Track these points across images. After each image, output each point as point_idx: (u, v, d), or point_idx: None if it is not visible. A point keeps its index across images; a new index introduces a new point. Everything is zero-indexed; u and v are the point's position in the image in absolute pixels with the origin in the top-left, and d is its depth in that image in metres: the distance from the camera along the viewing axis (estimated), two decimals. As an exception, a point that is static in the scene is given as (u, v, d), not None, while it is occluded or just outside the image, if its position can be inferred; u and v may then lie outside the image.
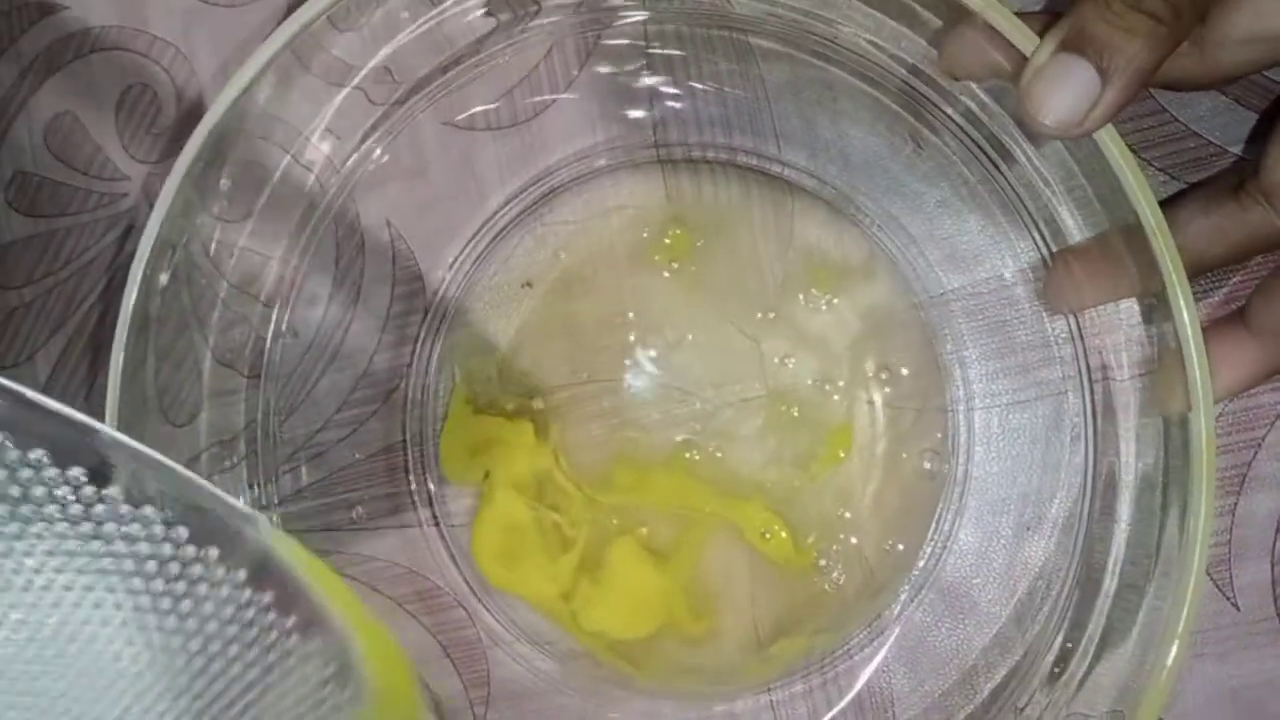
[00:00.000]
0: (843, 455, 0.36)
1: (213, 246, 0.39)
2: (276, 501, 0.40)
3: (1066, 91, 0.24)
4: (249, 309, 0.39)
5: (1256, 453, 0.34)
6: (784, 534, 0.36)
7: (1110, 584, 0.31)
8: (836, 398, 0.36)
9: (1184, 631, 0.26)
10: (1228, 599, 0.35)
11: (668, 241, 0.37)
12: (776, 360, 0.36)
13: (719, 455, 0.36)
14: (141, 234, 0.34)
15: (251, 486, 0.40)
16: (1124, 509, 0.31)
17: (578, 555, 0.37)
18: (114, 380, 0.33)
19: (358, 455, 0.40)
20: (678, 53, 0.36)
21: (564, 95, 0.38)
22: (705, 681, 0.37)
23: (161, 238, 0.36)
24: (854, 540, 0.36)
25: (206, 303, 0.39)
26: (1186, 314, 0.26)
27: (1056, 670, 0.33)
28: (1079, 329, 0.33)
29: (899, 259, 0.36)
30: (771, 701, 0.37)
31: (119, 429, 0.34)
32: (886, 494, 0.36)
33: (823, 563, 0.36)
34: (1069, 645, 0.32)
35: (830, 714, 0.36)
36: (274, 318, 0.40)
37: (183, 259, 0.38)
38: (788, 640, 0.36)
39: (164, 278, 0.38)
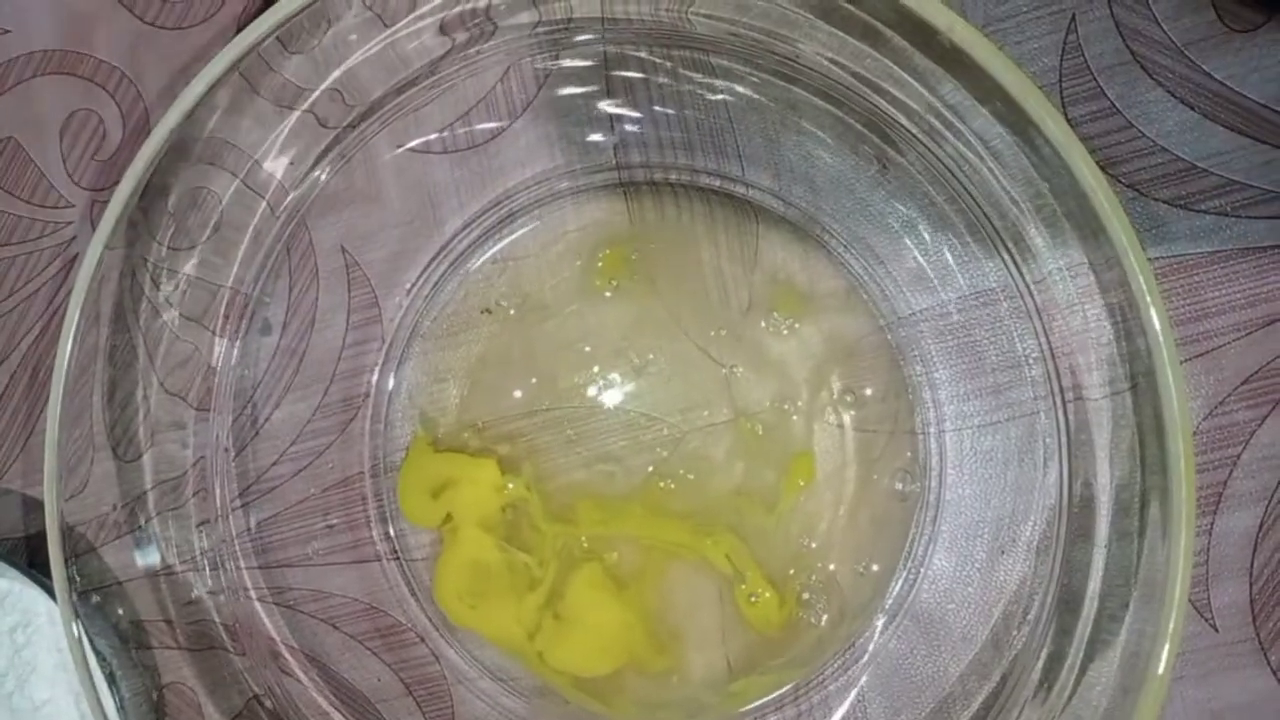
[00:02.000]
0: (802, 484, 0.35)
1: (161, 276, 0.38)
2: (232, 536, 0.39)
3: None
4: (199, 339, 0.38)
5: (1232, 471, 0.34)
6: (768, 594, 0.35)
7: (1090, 609, 0.30)
8: (801, 422, 0.35)
9: (1168, 661, 0.25)
10: (1206, 620, 0.34)
11: (599, 264, 0.36)
12: (743, 385, 0.35)
13: (691, 479, 0.35)
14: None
15: (202, 524, 0.39)
16: (1101, 531, 0.30)
17: (544, 594, 0.36)
18: (52, 424, 0.32)
19: (313, 490, 0.38)
20: (638, 75, 0.35)
21: (521, 118, 0.37)
22: (675, 716, 0.36)
23: (104, 268, 0.35)
24: (831, 567, 0.35)
25: (154, 334, 0.38)
26: (1160, 330, 0.26)
27: (1038, 697, 0.32)
28: (1050, 348, 0.32)
29: (865, 280, 0.35)
30: (745, 734, 0.36)
31: (59, 469, 0.33)
32: (858, 517, 0.35)
33: (806, 596, 0.35)
34: (1049, 672, 0.31)
35: (805, 747, 0.35)
36: (225, 349, 0.39)
37: (128, 288, 0.37)
38: (758, 676, 0.35)
39: (107, 308, 0.37)
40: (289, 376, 0.39)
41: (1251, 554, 0.34)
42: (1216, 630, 0.34)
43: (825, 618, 0.35)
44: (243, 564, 0.39)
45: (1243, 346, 0.34)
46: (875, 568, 0.35)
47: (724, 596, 0.36)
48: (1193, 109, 0.34)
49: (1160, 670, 0.26)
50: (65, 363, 0.32)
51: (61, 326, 0.33)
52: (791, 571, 0.35)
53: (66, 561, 0.34)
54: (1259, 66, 0.33)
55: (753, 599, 0.35)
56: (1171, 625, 0.26)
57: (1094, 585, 0.30)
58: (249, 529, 0.39)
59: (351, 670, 0.38)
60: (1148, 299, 0.25)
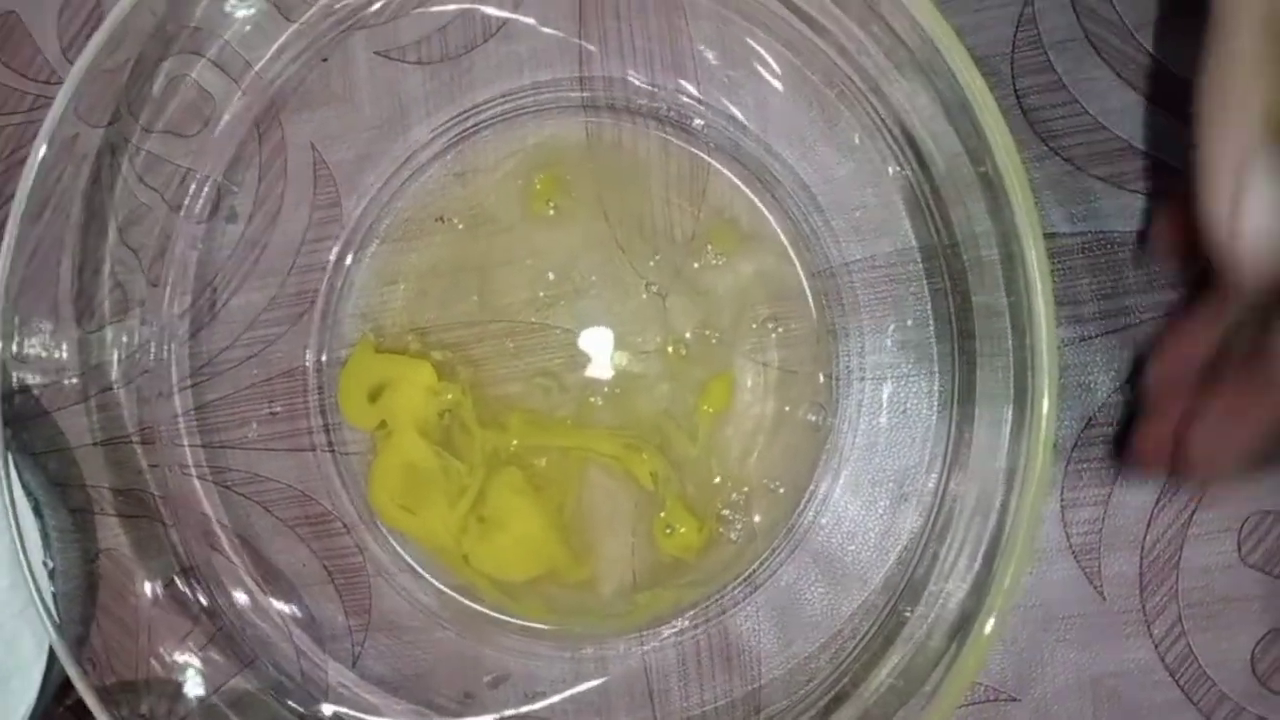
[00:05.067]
0: (712, 410, 0.36)
1: (139, 157, 0.39)
2: (178, 413, 0.40)
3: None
4: (168, 221, 0.40)
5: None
6: (684, 528, 0.36)
7: (958, 558, 0.31)
8: (723, 350, 0.36)
9: (994, 626, 0.26)
10: (1095, 588, 0.35)
11: (537, 186, 0.37)
12: (674, 312, 0.37)
13: (619, 395, 0.37)
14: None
15: (154, 398, 0.40)
16: (971, 489, 0.32)
17: (472, 498, 0.37)
18: (6, 253, 0.33)
19: (260, 375, 0.40)
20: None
21: (494, 38, 0.38)
22: (580, 624, 0.37)
23: (82, 144, 0.37)
24: (745, 489, 0.36)
25: (127, 213, 0.39)
26: (1041, 299, 0.27)
27: (917, 641, 0.33)
28: (953, 310, 0.33)
29: (804, 225, 0.36)
30: (642, 650, 0.37)
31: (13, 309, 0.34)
32: (773, 445, 0.36)
33: (725, 512, 0.36)
34: (923, 610, 0.32)
35: (698, 663, 0.37)
36: (192, 232, 0.40)
37: (106, 165, 0.39)
38: (661, 590, 0.37)
39: (84, 182, 0.39)
40: (249, 265, 0.40)
41: (1145, 528, 0.35)
42: (1104, 598, 0.35)
43: (736, 537, 0.36)
44: (186, 441, 0.40)
45: (1161, 325, 0.35)
46: (782, 490, 0.36)
47: (641, 513, 0.37)
48: (1136, 90, 0.34)
49: (986, 630, 0.27)
50: (22, 203, 0.33)
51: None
52: (709, 494, 0.36)
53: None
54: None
55: (668, 531, 0.36)
56: (1007, 582, 0.27)
57: (963, 532, 0.31)
58: (195, 408, 0.40)
59: (278, 554, 0.40)
60: (1031, 252, 0.26)
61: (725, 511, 0.36)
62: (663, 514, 0.37)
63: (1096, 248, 0.35)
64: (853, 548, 0.36)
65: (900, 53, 0.31)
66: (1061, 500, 0.35)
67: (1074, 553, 0.35)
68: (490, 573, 0.38)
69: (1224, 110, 0.20)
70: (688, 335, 0.36)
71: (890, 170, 0.35)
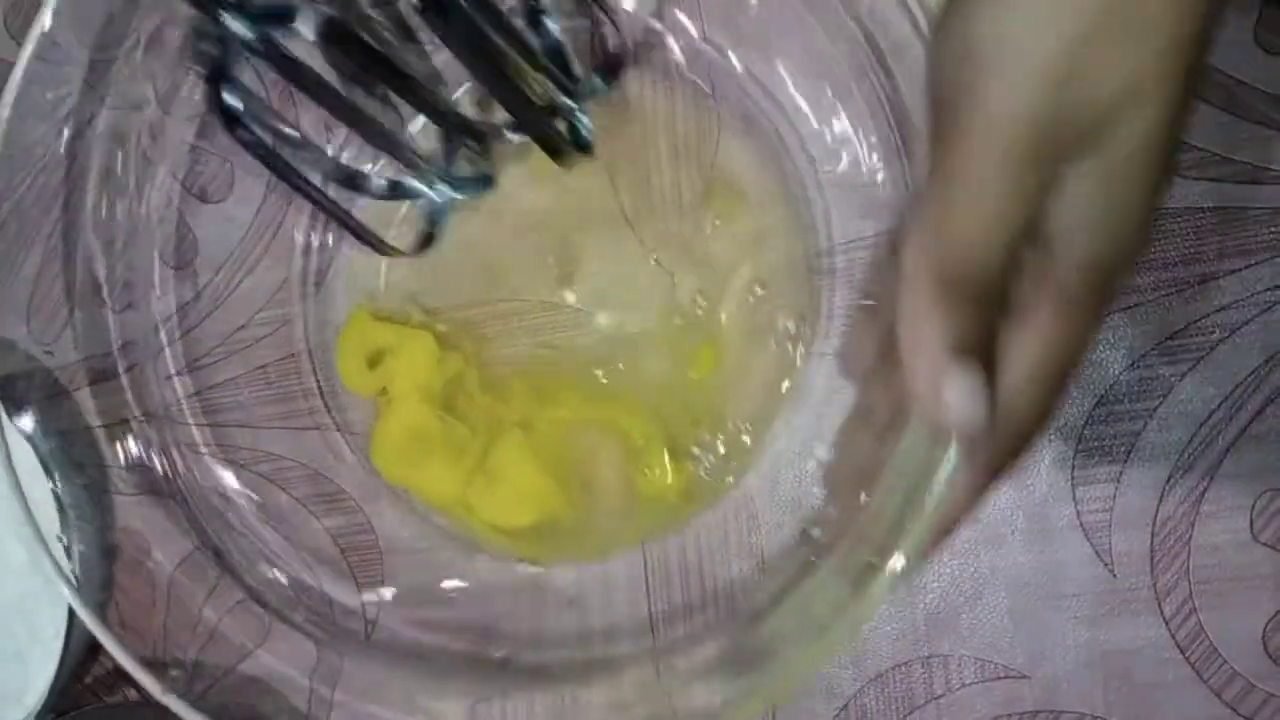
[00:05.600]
0: (696, 377, 0.37)
1: (160, 136, 0.39)
2: (194, 392, 0.41)
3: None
4: (185, 203, 0.40)
5: (1147, 423, 0.35)
6: (658, 470, 0.37)
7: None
8: (716, 319, 0.37)
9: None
10: (1105, 565, 0.35)
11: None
12: (674, 278, 0.37)
13: (621, 369, 0.37)
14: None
15: (172, 376, 0.41)
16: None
17: (476, 456, 0.38)
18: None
19: (275, 355, 0.40)
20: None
21: None
22: (585, 554, 0.39)
23: (97, 123, 0.37)
24: (721, 437, 0.37)
25: (146, 188, 0.40)
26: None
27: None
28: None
29: (807, 196, 0.36)
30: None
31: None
32: (746, 397, 0.37)
33: (695, 450, 0.37)
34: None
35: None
36: (207, 213, 0.40)
37: (124, 147, 0.39)
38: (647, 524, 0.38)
39: (98, 162, 0.39)
40: (266, 241, 0.40)
41: (1156, 505, 0.35)
42: (1114, 576, 0.35)
43: (709, 476, 0.37)
44: (197, 420, 0.41)
45: (1172, 303, 0.35)
46: (749, 439, 0.37)
47: (630, 463, 0.38)
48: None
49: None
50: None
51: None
52: (689, 442, 0.37)
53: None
54: (1221, 32, 0.34)
55: (650, 473, 0.37)
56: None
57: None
58: (211, 386, 0.41)
59: (294, 530, 0.40)
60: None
61: (695, 450, 0.37)
62: (648, 468, 0.37)
63: (1108, 224, 0.35)
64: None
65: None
66: (1072, 478, 0.35)
67: (1085, 530, 0.35)
68: (493, 521, 0.39)
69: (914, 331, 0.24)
70: (686, 305, 0.37)
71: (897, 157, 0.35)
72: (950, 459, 0.28)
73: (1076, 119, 0.21)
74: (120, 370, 0.40)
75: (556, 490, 0.38)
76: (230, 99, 0.31)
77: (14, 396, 0.40)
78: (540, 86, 0.34)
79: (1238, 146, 0.34)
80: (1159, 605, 0.35)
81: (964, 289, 0.23)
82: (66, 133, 0.37)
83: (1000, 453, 0.25)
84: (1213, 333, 0.34)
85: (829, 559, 0.33)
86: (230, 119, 0.31)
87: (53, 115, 0.37)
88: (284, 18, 0.29)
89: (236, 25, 0.29)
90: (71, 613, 0.39)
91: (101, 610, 0.39)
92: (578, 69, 0.37)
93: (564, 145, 0.35)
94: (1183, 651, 0.34)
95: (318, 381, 0.40)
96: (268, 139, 0.34)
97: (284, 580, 0.39)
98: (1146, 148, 0.22)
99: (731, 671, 0.34)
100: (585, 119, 0.36)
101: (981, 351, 0.23)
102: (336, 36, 0.29)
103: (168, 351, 0.41)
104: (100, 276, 0.40)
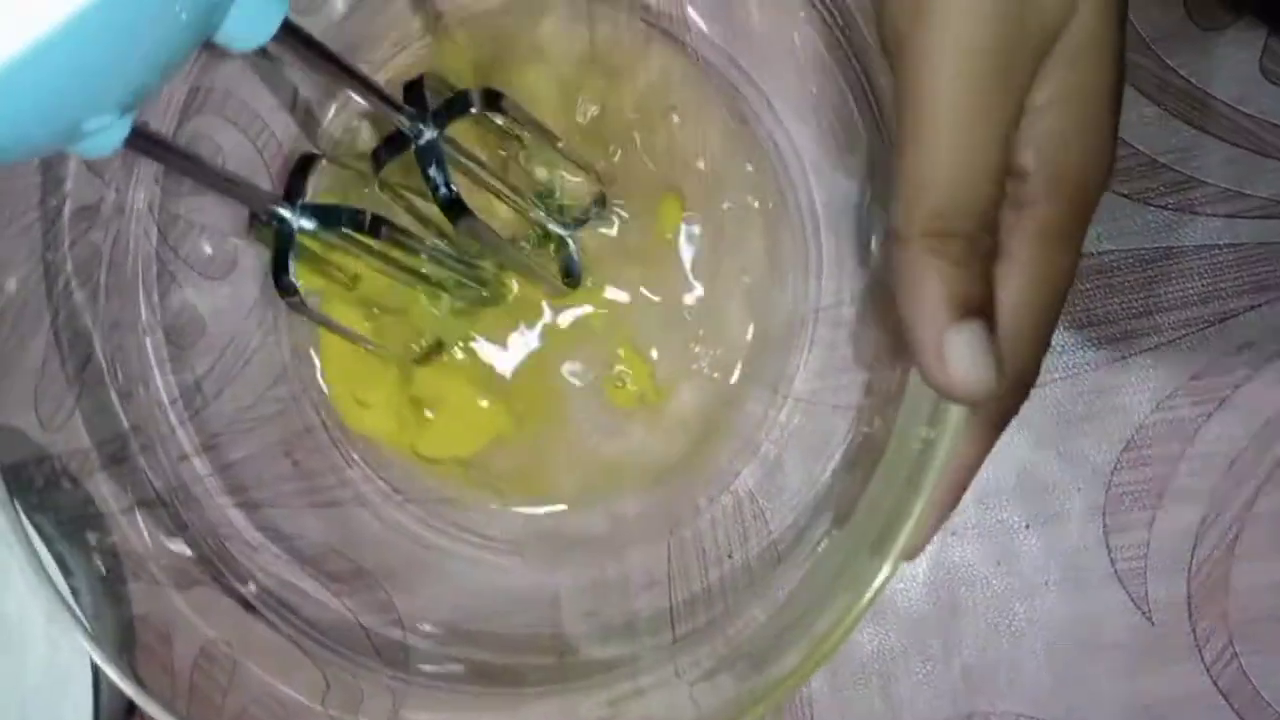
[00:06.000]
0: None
1: (157, 213, 0.39)
2: (211, 471, 0.40)
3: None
4: (185, 276, 0.40)
5: (1176, 466, 0.34)
6: (631, 385, 0.37)
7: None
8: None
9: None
10: (1143, 613, 0.34)
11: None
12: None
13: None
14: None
15: (188, 457, 0.40)
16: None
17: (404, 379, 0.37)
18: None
19: (291, 429, 0.40)
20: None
21: None
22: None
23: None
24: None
25: (146, 271, 0.39)
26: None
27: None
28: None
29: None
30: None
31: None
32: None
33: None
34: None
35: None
36: (214, 295, 0.40)
37: (131, 235, 0.39)
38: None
39: (106, 251, 0.39)
40: (269, 320, 0.40)
41: (1191, 550, 0.34)
42: (1153, 624, 0.34)
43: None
44: (217, 500, 0.40)
45: (1193, 343, 0.34)
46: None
47: (589, 367, 0.37)
48: (1157, 104, 0.34)
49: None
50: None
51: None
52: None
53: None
54: (1225, 65, 0.34)
55: (620, 385, 0.37)
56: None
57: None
58: (221, 467, 0.40)
59: (322, 610, 0.40)
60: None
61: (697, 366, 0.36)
62: (618, 367, 0.36)
63: (1124, 266, 0.34)
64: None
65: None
66: (1104, 525, 0.34)
67: (1119, 578, 0.34)
68: (441, 455, 0.38)
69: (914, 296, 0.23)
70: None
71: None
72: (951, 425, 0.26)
73: (1029, 25, 0.22)
74: (133, 452, 0.40)
75: (501, 409, 0.37)
76: (290, 279, 0.32)
77: (26, 485, 0.40)
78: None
79: (1250, 180, 0.34)
80: (1199, 652, 0.34)
81: (957, 240, 0.23)
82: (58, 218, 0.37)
83: (1002, 403, 0.25)
84: (1236, 371, 0.34)
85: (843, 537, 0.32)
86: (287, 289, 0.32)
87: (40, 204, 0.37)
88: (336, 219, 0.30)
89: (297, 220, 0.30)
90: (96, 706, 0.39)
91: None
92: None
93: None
94: (1226, 698, 0.34)
95: (341, 453, 0.40)
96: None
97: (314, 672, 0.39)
98: (1099, 43, 0.23)
99: (751, 663, 0.33)
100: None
101: (984, 307, 0.23)
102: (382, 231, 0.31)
103: (180, 432, 0.41)
104: (103, 361, 0.40)
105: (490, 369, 0.37)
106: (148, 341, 0.39)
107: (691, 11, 0.36)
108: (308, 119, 0.39)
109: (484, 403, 0.37)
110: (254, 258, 0.40)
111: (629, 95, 0.37)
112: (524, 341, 0.37)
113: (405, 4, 0.39)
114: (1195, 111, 0.34)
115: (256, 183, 0.39)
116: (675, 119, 0.36)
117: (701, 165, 0.36)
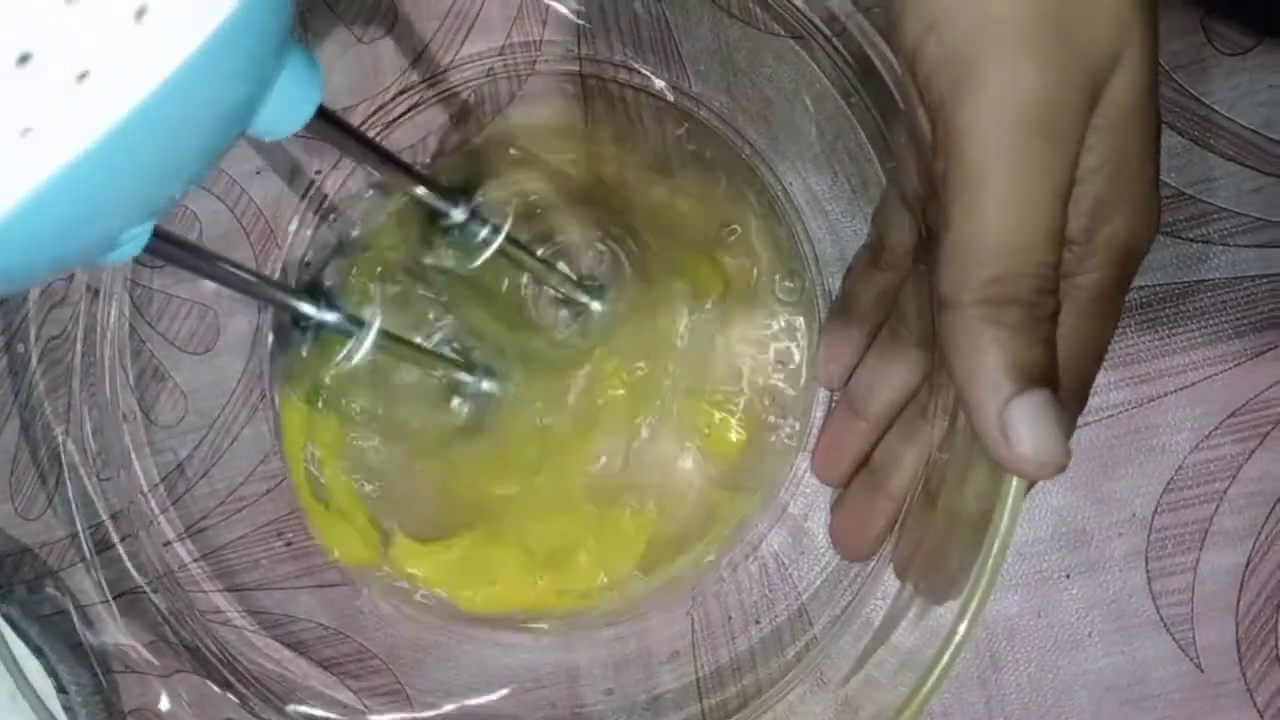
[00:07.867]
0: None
1: (137, 293, 0.37)
2: (199, 556, 0.38)
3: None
4: (164, 352, 0.38)
5: (1218, 506, 0.33)
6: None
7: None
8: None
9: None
10: (1191, 660, 0.33)
11: None
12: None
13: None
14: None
15: (171, 542, 0.38)
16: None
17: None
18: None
19: (283, 510, 0.38)
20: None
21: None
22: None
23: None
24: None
25: (121, 351, 0.37)
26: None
27: None
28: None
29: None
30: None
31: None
32: None
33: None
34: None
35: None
36: (196, 368, 0.38)
37: (109, 313, 0.37)
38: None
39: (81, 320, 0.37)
40: (254, 398, 0.38)
41: (1238, 592, 0.33)
42: (1202, 670, 0.33)
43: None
44: (206, 586, 0.38)
45: (1230, 378, 0.33)
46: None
47: None
48: (1181, 134, 0.33)
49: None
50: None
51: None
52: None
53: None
54: (1249, 91, 0.33)
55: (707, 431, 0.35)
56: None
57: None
58: (211, 550, 0.38)
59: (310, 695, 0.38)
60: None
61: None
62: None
63: (1154, 302, 0.33)
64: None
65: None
66: (1148, 571, 0.33)
67: (1166, 625, 0.33)
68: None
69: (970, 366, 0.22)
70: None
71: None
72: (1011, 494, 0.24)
73: (1075, 80, 0.21)
74: (115, 541, 0.38)
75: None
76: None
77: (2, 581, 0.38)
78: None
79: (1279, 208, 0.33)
80: (1251, 697, 0.33)
81: (1015, 306, 0.21)
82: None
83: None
84: (1276, 406, 0.33)
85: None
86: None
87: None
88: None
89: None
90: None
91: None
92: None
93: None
94: (1282, 744, 0.33)
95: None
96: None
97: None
98: (1146, 93, 0.22)
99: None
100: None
101: (1046, 374, 0.22)
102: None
103: (162, 518, 0.38)
104: (77, 445, 0.37)
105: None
106: (124, 427, 0.37)
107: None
108: (293, 180, 0.37)
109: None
110: (237, 329, 0.37)
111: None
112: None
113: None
114: (1221, 140, 0.33)
115: (236, 254, 0.37)
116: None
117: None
